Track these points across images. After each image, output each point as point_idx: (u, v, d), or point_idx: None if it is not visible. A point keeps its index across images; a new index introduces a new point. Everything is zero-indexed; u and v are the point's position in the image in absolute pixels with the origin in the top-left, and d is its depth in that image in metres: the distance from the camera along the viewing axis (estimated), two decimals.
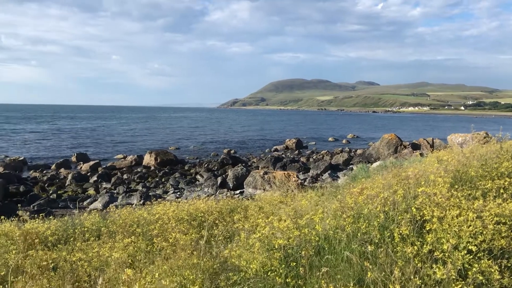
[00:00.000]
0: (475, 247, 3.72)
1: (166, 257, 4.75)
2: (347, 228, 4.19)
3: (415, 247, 3.78)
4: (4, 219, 7.72)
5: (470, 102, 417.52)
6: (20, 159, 33.66)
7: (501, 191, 5.58)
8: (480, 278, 3.43)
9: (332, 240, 4.21)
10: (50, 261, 5.64)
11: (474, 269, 3.48)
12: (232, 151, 44.29)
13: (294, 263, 3.84)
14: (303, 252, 3.74)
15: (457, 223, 3.92)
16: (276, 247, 4.08)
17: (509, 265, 3.81)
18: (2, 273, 5.01)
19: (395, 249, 3.87)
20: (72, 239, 6.95)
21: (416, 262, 3.59)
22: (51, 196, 21.80)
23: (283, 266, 3.83)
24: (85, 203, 20.16)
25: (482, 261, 3.62)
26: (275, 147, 49.60)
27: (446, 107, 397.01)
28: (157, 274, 4.24)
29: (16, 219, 7.71)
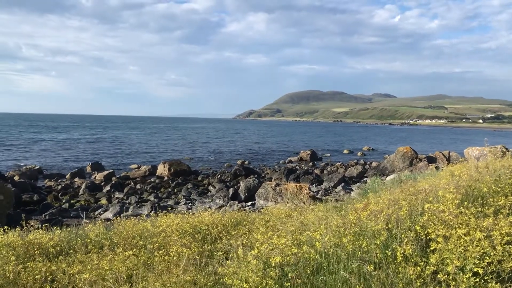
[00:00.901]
0: (482, 269, 3.50)
1: (159, 274, 4.61)
2: (348, 246, 4.00)
3: (418, 268, 3.58)
4: (8, 228, 7.68)
5: (489, 115, 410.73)
6: (35, 168, 34.04)
7: None
8: None
9: (331, 258, 4.03)
10: (48, 273, 5.55)
11: None
12: (246, 162, 44.18)
13: (288, 283, 3.67)
14: (289, 275, 3.57)
15: (463, 243, 3.70)
16: (273, 265, 3.92)
17: None
18: None
19: (397, 269, 3.67)
20: (72, 251, 6.86)
21: (418, 284, 3.39)
22: (63, 205, 21.92)
23: (276, 286, 3.66)
24: (96, 212, 20.20)
25: (490, 284, 3.40)
26: (289, 158, 49.37)
27: (464, 120, 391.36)
28: None
29: (19, 229, 7.66)
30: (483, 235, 3.91)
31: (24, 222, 8.08)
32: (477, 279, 3.42)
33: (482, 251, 3.65)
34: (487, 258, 3.65)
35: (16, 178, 28.81)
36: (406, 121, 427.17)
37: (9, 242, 6.97)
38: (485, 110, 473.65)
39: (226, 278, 3.94)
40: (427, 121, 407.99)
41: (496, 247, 3.74)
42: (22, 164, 38.21)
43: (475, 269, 3.50)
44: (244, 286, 3.67)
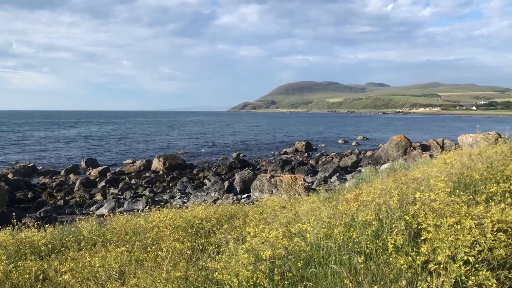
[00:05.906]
0: (473, 257, 3.48)
1: (150, 270, 4.57)
2: (338, 238, 3.98)
3: (409, 258, 3.55)
4: None
5: (482, 102, 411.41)
6: (30, 165, 33.78)
7: (507, 195, 5.30)
8: None
9: (321, 250, 4.00)
10: (40, 272, 5.50)
11: (470, 282, 3.25)
12: (241, 155, 44.14)
13: (279, 277, 3.64)
14: (276, 269, 3.54)
15: (454, 232, 3.68)
16: (264, 258, 3.89)
17: (510, 276, 3.57)
18: None
19: (387, 260, 3.65)
20: (64, 248, 6.81)
21: (409, 275, 3.37)
22: (58, 202, 21.84)
23: (267, 280, 3.63)
24: (91, 208, 20.12)
25: (481, 272, 3.38)
26: (284, 150, 49.39)
27: (457, 108, 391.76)
28: None
29: (11, 228, 7.59)
30: (474, 223, 3.89)
31: (15, 220, 7.99)
32: (468, 268, 3.41)
33: (473, 239, 3.63)
34: (478, 246, 3.63)
35: (9, 176, 28.60)
36: (400, 110, 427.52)
37: (0, 241, 6.92)
38: (478, 97, 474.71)
39: (216, 273, 3.91)
40: (421, 109, 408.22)
41: (487, 235, 3.72)
42: (15, 161, 37.98)
43: (466, 258, 3.48)
44: (234, 280, 3.64)
